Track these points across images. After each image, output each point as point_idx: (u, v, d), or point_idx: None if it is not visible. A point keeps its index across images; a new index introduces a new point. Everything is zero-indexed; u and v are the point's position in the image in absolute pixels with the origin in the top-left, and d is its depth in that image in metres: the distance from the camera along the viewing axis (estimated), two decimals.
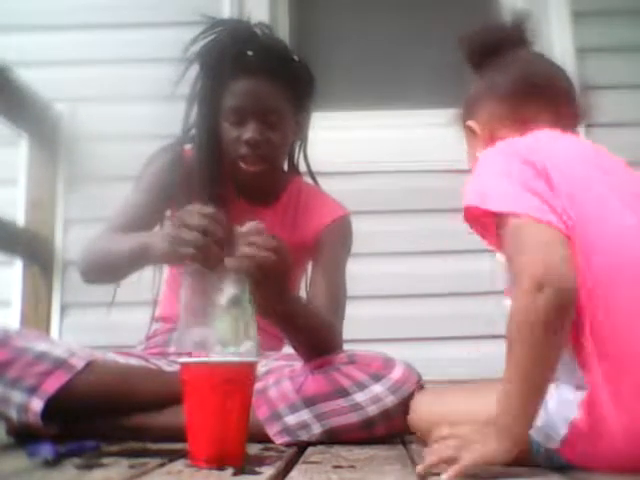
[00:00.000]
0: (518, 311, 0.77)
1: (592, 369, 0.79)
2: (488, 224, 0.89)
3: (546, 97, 1.00)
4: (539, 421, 0.82)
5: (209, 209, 1.03)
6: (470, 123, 1.04)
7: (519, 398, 0.76)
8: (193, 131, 1.41)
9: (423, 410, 1.02)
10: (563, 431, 0.81)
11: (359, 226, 1.48)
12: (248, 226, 1.05)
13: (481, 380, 1.14)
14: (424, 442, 1.00)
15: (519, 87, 1.01)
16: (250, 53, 1.35)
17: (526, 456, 0.83)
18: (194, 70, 1.38)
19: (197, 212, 1.02)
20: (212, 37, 1.36)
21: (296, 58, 1.41)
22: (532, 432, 0.82)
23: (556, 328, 0.76)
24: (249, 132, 1.32)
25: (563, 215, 0.82)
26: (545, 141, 0.94)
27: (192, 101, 1.39)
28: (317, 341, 1.24)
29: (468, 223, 0.91)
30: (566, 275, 0.76)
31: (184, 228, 1.01)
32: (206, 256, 1.00)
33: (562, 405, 0.82)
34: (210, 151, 1.36)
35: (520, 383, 0.76)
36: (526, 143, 0.93)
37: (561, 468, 0.83)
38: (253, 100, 1.33)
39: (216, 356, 0.95)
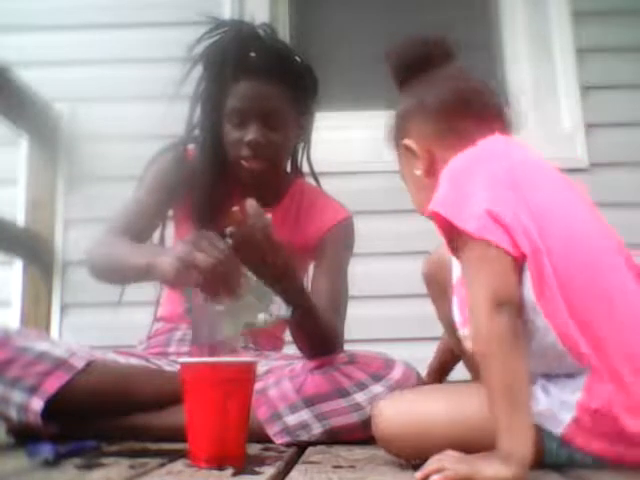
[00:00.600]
0: (484, 332, 0.81)
1: (589, 358, 0.82)
2: (442, 230, 0.89)
3: (479, 112, 1.00)
4: (542, 405, 0.84)
5: (222, 244, 1.02)
6: (407, 142, 1.02)
7: (511, 416, 0.77)
8: (196, 132, 1.41)
9: (390, 413, 0.94)
10: (570, 414, 0.83)
11: (359, 226, 1.48)
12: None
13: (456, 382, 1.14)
14: (393, 454, 0.95)
15: (453, 102, 1.00)
16: (253, 54, 1.35)
17: (538, 455, 0.83)
18: (197, 70, 1.38)
19: (212, 242, 1.02)
20: (216, 38, 1.36)
21: (299, 60, 1.41)
22: (538, 419, 0.83)
23: (518, 340, 0.80)
24: (251, 134, 1.32)
25: (523, 238, 0.84)
26: (510, 151, 0.95)
27: (195, 102, 1.39)
28: (319, 337, 1.24)
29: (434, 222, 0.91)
30: (516, 296, 0.83)
31: (199, 253, 1.01)
32: (212, 285, 1.01)
33: (564, 389, 0.84)
34: (213, 152, 1.36)
35: (507, 402, 0.77)
36: (495, 154, 0.93)
37: (563, 466, 0.84)
38: (255, 102, 1.33)
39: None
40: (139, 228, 1.32)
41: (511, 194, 0.87)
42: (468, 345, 0.91)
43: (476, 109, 1.00)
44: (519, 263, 0.84)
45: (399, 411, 0.94)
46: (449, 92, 1.01)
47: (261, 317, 1.01)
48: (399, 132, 1.05)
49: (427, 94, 1.02)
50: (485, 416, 0.79)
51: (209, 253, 1.00)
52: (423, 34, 1.04)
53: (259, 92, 1.33)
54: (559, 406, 0.84)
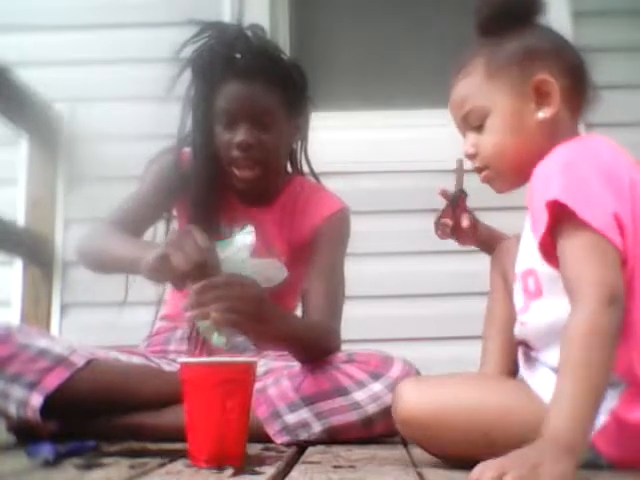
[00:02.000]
0: (590, 323, 0.78)
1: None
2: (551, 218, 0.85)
3: (586, 93, 0.99)
4: None
5: (206, 242, 1.03)
6: (549, 79, 0.93)
7: (585, 409, 0.75)
8: (189, 135, 1.41)
9: (411, 395, 0.92)
10: (602, 418, 0.82)
11: (358, 226, 1.48)
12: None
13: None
14: (410, 439, 0.96)
15: (581, 70, 0.98)
16: (239, 55, 1.34)
17: None
18: (189, 73, 1.38)
19: (195, 243, 1.01)
20: (202, 41, 1.36)
21: (287, 59, 1.41)
22: None
23: (616, 338, 0.79)
24: (240, 135, 1.32)
25: (629, 236, 0.83)
26: (617, 154, 0.92)
27: (187, 106, 1.39)
28: (315, 350, 1.24)
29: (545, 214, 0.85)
30: (622, 292, 0.81)
31: (177, 253, 1.01)
32: (182, 284, 1.02)
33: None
34: (205, 155, 1.36)
35: (587, 393, 0.75)
36: (600, 152, 0.91)
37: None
38: (244, 102, 1.33)
39: None
40: (134, 222, 1.33)
41: (623, 194, 0.85)
42: (516, 330, 0.92)
43: (587, 90, 0.98)
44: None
45: (420, 394, 0.92)
46: (580, 56, 0.99)
47: (216, 339, 1.02)
48: (527, 66, 0.96)
49: (564, 46, 0.99)
50: (506, 408, 0.78)
51: (187, 254, 1.00)
52: None
53: (248, 93, 1.33)
54: None
